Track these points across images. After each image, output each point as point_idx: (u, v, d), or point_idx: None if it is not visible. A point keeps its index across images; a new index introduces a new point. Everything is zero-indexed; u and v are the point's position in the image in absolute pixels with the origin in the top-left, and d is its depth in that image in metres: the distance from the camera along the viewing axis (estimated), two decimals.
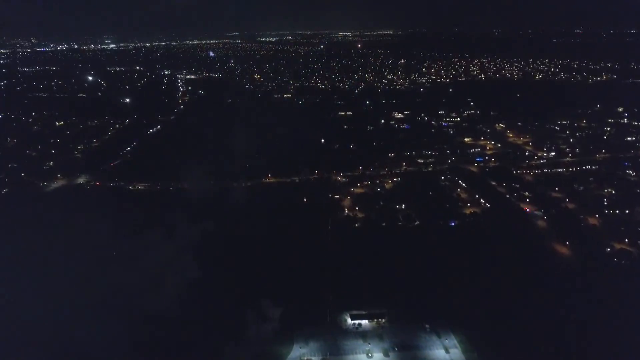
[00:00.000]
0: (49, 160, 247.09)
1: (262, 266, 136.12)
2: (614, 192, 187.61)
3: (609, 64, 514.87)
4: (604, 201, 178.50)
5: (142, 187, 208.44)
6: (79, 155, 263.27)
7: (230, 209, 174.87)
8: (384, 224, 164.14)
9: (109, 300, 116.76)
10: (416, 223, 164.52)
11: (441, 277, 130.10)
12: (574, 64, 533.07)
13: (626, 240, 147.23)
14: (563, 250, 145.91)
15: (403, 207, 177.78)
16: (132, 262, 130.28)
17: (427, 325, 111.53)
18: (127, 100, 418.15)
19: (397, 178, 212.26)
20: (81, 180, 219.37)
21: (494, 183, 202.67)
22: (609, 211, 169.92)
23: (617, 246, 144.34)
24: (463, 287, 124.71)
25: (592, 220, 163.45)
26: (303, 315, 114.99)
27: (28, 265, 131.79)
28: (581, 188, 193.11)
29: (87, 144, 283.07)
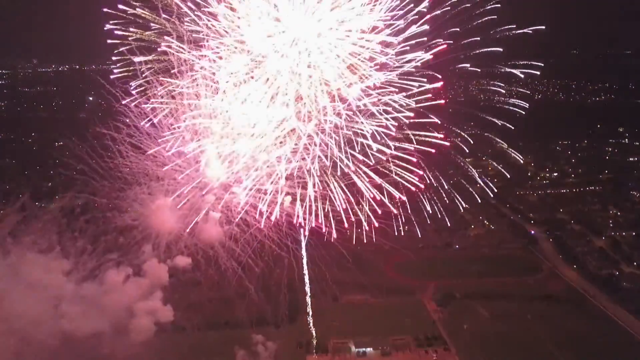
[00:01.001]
0: (48, 181, 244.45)
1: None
2: (619, 213, 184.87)
3: (607, 85, 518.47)
4: (610, 223, 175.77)
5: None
6: (78, 175, 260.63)
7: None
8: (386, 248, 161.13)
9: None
10: (420, 245, 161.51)
11: (446, 302, 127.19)
12: (572, 84, 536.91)
13: (635, 263, 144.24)
14: (570, 273, 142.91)
15: (406, 229, 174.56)
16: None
17: (434, 355, 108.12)
18: (127, 120, 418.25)
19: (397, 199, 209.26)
20: (80, 201, 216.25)
21: (497, 204, 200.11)
22: (615, 233, 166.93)
23: (626, 269, 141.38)
24: (469, 314, 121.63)
25: (599, 242, 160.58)
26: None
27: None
28: (586, 209, 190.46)
29: (87, 164, 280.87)
